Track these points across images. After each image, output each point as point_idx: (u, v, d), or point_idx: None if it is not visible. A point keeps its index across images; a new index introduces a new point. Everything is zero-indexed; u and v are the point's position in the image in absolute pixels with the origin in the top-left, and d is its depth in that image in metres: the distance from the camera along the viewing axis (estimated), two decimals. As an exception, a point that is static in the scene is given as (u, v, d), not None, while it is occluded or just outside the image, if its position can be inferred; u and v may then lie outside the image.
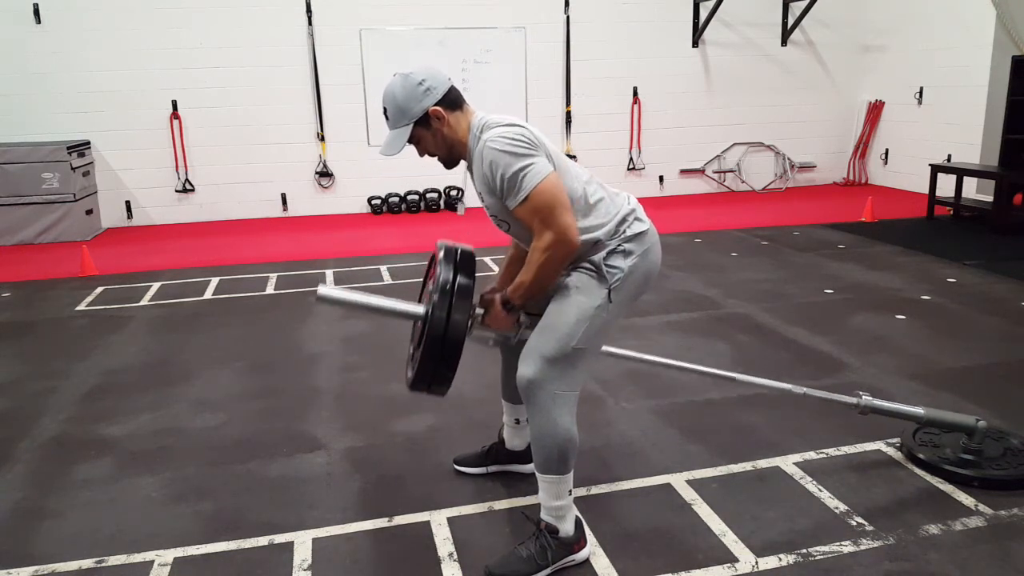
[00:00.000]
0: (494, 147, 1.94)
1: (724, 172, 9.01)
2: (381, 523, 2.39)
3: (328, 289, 2.10)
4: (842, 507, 2.40)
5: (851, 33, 8.89)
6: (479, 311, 2.14)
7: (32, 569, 2.20)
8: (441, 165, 2.19)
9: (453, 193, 8.14)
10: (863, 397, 2.56)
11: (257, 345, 4.09)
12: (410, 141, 2.09)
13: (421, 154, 2.15)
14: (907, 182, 8.61)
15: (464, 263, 2.06)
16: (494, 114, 2.09)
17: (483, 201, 2.11)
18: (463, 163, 2.17)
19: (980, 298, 4.59)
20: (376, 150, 7.86)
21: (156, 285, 5.34)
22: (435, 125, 2.05)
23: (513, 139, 1.94)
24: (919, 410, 2.60)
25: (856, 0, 8.79)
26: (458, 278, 2.02)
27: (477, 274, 2.08)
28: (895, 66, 8.62)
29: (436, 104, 2.03)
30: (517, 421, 2.54)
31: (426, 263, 2.27)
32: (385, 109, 2.07)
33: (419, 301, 2.23)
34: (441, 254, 2.09)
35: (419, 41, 7.83)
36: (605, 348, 2.29)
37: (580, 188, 2.09)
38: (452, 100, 2.06)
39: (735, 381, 2.57)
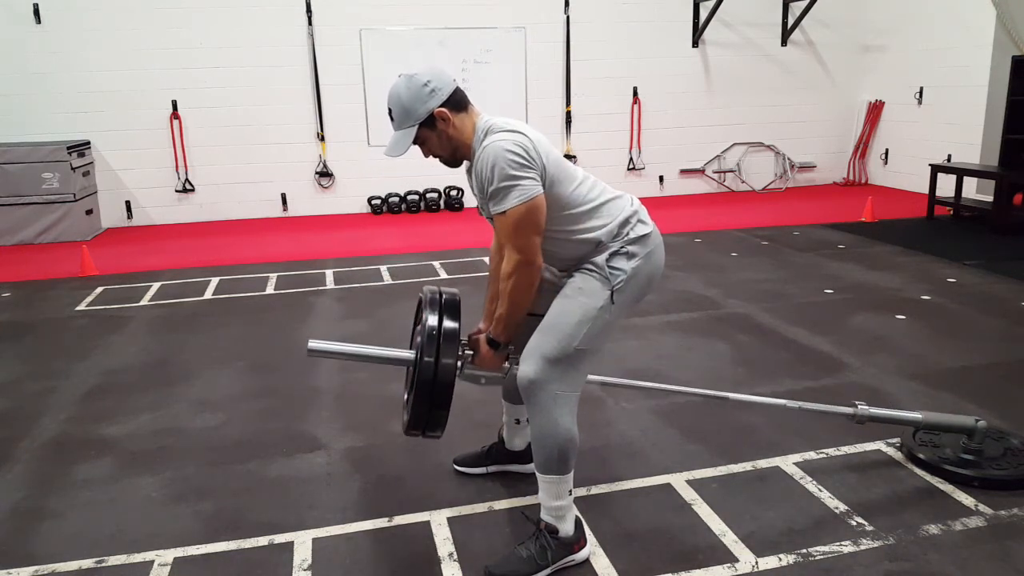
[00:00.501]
0: (493, 154, 1.95)
1: (724, 172, 9.01)
2: (381, 523, 2.39)
3: (319, 342, 2.16)
4: (842, 507, 2.41)
5: (851, 33, 8.89)
6: (468, 352, 2.17)
7: (32, 569, 2.20)
8: (443, 165, 2.20)
9: (453, 193, 8.14)
10: (859, 407, 2.55)
11: (257, 345, 4.09)
12: (415, 142, 2.09)
13: (426, 155, 2.16)
14: (907, 182, 8.61)
15: (448, 308, 2.11)
16: (500, 117, 2.09)
17: (482, 203, 2.11)
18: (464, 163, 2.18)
19: (980, 298, 4.59)
20: (376, 150, 7.89)
21: (156, 285, 5.34)
22: (440, 126, 2.06)
23: (513, 152, 1.95)
24: (917, 415, 2.60)
25: (856, 0, 8.79)
26: (444, 323, 2.07)
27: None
28: (895, 66, 8.62)
29: (441, 105, 2.04)
30: (517, 421, 2.54)
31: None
32: (390, 110, 2.07)
33: (410, 346, 2.28)
34: (426, 301, 2.14)
35: (419, 41, 7.83)
36: (594, 378, 2.32)
37: (580, 191, 2.10)
38: (457, 101, 2.07)
39: (728, 401, 2.57)
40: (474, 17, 7.90)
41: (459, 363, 2.11)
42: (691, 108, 8.71)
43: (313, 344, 2.15)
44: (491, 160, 1.95)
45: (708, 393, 2.62)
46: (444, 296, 2.15)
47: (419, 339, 2.10)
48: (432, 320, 2.07)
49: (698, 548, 2.22)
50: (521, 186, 1.95)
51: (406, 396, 2.29)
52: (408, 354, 2.19)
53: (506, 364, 2.19)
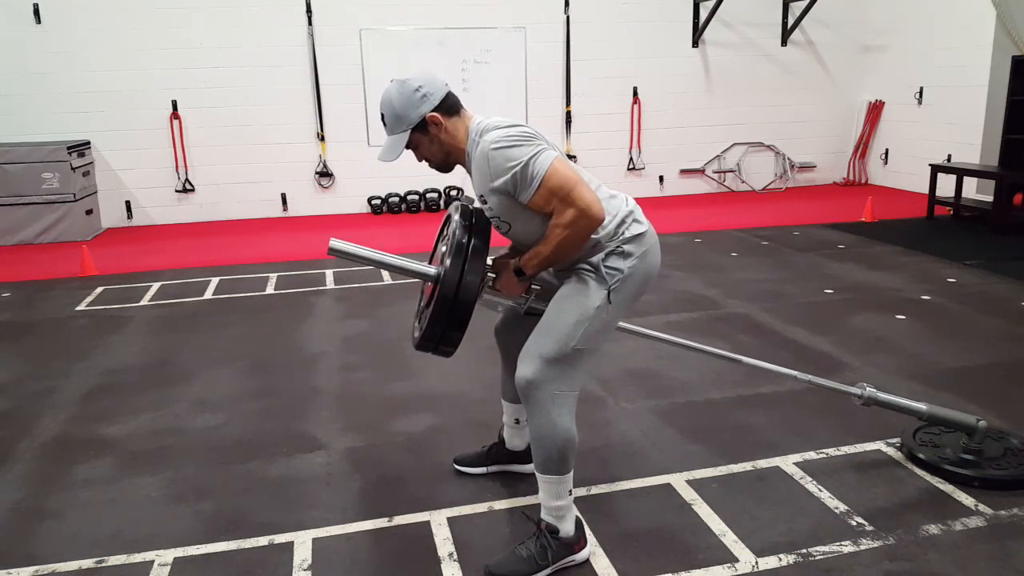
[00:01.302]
0: (498, 147, 1.95)
1: (724, 172, 9.01)
2: (381, 523, 2.39)
3: (340, 242, 2.08)
4: (842, 507, 2.41)
5: (851, 33, 8.89)
6: (491, 275, 2.13)
7: (32, 569, 2.20)
8: (435, 169, 2.20)
9: (453, 193, 8.14)
10: (867, 388, 2.56)
11: (257, 345, 4.09)
12: (408, 147, 2.10)
13: (419, 159, 2.17)
14: (907, 182, 8.61)
15: (479, 225, 2.05)
16: (491, 117, 2.09)
17: (483, 203, 2.11)
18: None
19: (980, 298, 4.59)
20: (376, 150, 7.86)
21: (156, 285, 5.34)
22: (433, 131, 2.06)
23: (514, 136, 1.95)
24: (921, 405, 2.60)
25: (856, 0, 8.79)
26: (473, 240, 2.01)
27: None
28: (895, 66, 8.62)
29: (433, 110, 2.04)
30: (517, 421, 2.54)
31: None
32: (383, 115, 2.08)
33: (430, 261, 2.23)
34: (457, 215, 2.08)
35: (419, 41, 7.83)
36: (624, 325, 2.29)
37: None
38: (449, 106, 2.07)
39: (742, 363, 2.58)
40: (474, 17, 7.90)
41: (481, 284, 2.05)
42: (691, 108, 8.70)
43: (334, 243, 2.08)
44: (496, 154, 1.95)
45: (723, 354, 2.63)
46: (475, 211, 2.09)
47: (443, 249, 2.04)
48: (462, 234, 2.01)
49: (698, 548, 2.22)
50: (537, 156, 1.94)
51: (420, 309, 2.22)
52: (431, 269, 2.13)
53: (526, 295, 2.14)
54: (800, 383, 2.59)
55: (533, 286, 2.16)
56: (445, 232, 2.22)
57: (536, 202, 1.98)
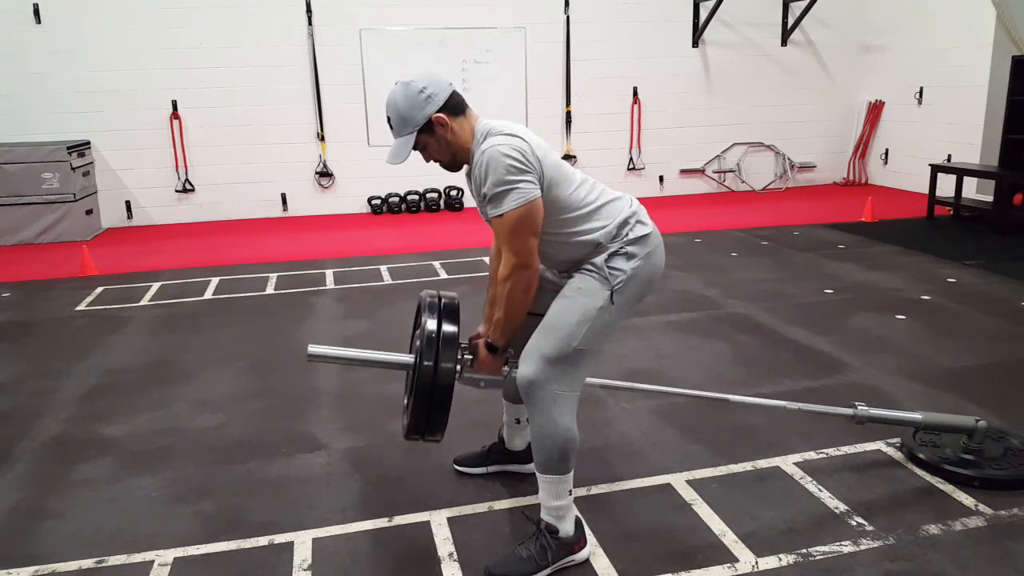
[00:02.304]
0: (493, 156, 1.96)
1: (724, 172, 9.01)
2: (381, 523, 2.39)
3: (318, 347, 2.17)
4: (842, 507, 2.40)
5: (851, 33, 8.88)
6: (467, 356, 2.17)
7: (32, 569, 2.20)
8: (444, 169, 2.20)
9: (453, 193, 8.14)
10: (859, 408, 2.54)
11: (257, 345, 4.09)
12: (415, 148, 2.10)
13: (427, 160, 2.18)
14: (907, 182, 8.61)
15: (447, 312, 2.12)
16: (498, 120, 2.10)
17: (482, 203, 2.11)
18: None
19: (980, 298, 4.59)
20: (376, 150, 7.89)
21: (156, 285, 5.34)
22: (439, 131, 2.07)
23: (510, 156, 1.96)
24: (916, 415, 2.59)
25: (856, 0, 8.79)
26: (443, 327, 2.08)
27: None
28: (895, 66, 8.62)
29: (438, 111, 2.04)
30: (517, 421, 2.54)
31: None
32: (389, 118, 2.09)
33: (409, 351, 2.29)
34: (425, 305, 2.15)
35: (419, 41, 7.82)
36: (594, 381, 2.33)
37: (578, 193, 2.11)
38: (454, 106, 2.07)
39: (728, 403, 2.57)
40: (474, 17, 7.90)
41: (458, 367, 2.11)
42: (691, 108, 8.70)
43: (313, 349, 2.16)
44: (488, 164, 1.96)
45: (708, 395, 2.62)
46: (443, 300, 2.16)
47: (418, 343, 2.10)
48: (431, 324, 2.08)
49: (698, 548, 2.22)
50: (518, 189, 1.96)
51: (406, 400, 2.30)
52: (407, 358, 2.20)
53: (505, 368, 2.19)
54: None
55: (510, 359, 2.19)
56: (417, 322, 2.26)
57: (494, 225, 2.03)
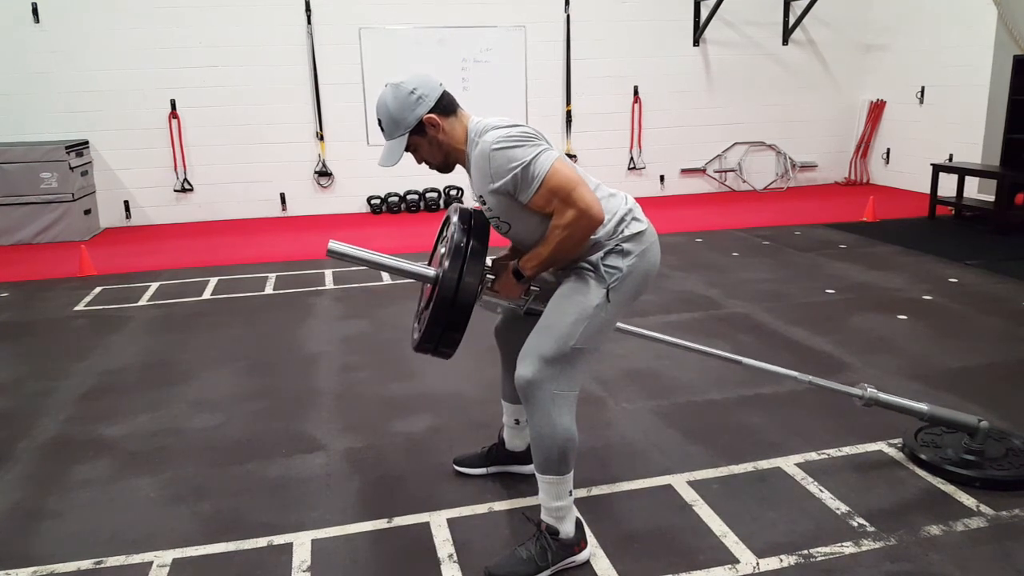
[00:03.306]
0: (499, 147, 1.94)
1: (725, 172, 9.00)
2: (381, 524, 2.38)
3: (339, 244, 2.09)
4: (843, 508, 2.40)
5: (852, 32, 8.87)
6: (490, 277, 2.13)
7: (31, 570, 2.20)
8: (436, 170, 2.19)
9: (453, 193, 8.13)
10: (868, 389, 2.56)
11: (256, 345, 4.08)
12: (407, 150, 2.09)
13: (419, 161, 2.17)
14: (909, 182, 8.60)
15: (478, 227, 2.06)
16: (490, 117, 2.09)
17: (482, 203, 2.10)
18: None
19: (982, 298, 4.58)
20: (376, 150, 7.86)
21: (155, 285, 5.33)
22: (431, 132, 2.06)
23: (514, 136, 1.95)
24: (922, 406, 2.59)
25: (857, -1, 8.79)
26: (471, 242, 2.02)
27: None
28: (896, 65, 8.60)
29: (429, 111, 2.03)
30: (517, 422, 2.53)
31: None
32: (380, 121, 2.07)
33: (429, 263, 2.23)
34: (455, 217, 2.09)
35: (418, 40, 7.81)
36: (622, 326, 2.29)
37: None
38: (445, 106, 2.06)
39: (742, 364, 2.58)
40: (474, 16, 7.89)
41: (479, 286, 2.06)
42: (692, 107, 8.69)
43: (333, 245, 2.08)
44: (491, 156, 1.95)
45: (723, 355, 2.63)
46: (474, 214, 2.10)
47: (443, 251, 2.04)
48: (460, 236, 2.02)
49: (699, 549, 2.21)
50: (539, 156, 1.94)
51: (419, 310, 2.23)
52: (429, 271, 2.13)
53: (525, 296, 2.14)
54: (801, 384, 2.58)
55: (532, 288, 2.15)
56: (444, 234, 2.22)
57: (536, 202, 1.98)
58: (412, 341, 2.19)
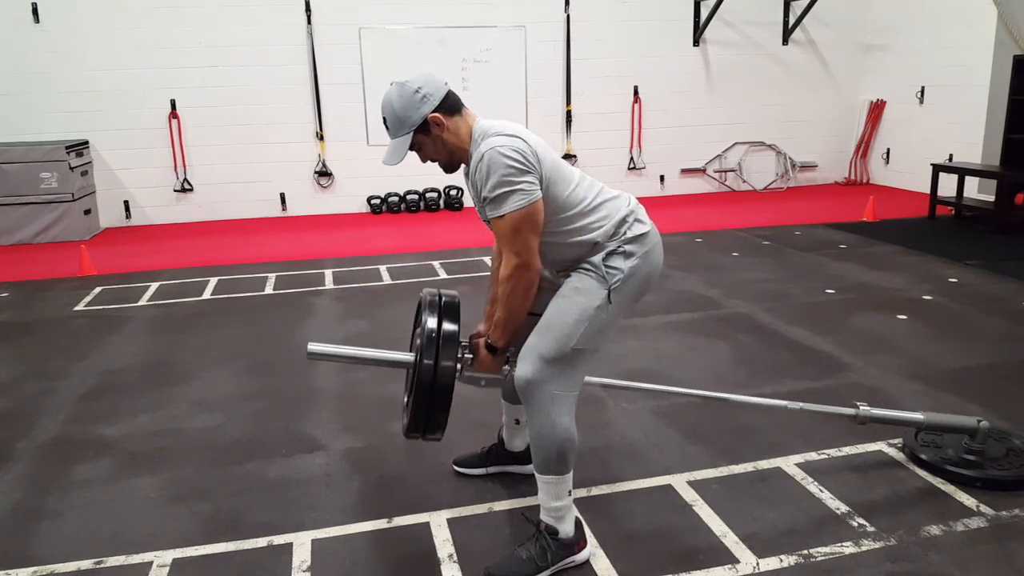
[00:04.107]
0: (492, 157, 1.95)
1: (725, 171, 9.00)
2: (381, 524, 2.38)
3: (318, 345, 2.16)
4: (843, 508, 2.40)
5: (852, 32, 8.87)
6: (468, 356, 2.17)
7: (31, 570, 2.19)
8: (441, 169, 2.19)
9: (453, 193, 8.13)
10: (861, 408, 2.53)
11: (256, 345, 4.08)
12: (412, 148, 2.09)
13: (424, 160, 2.17)
14: (909, 182, 8.60)
15: (447, 310, 2.11)
16: (496, 120, 2.09)
17: (481, 204, 2.10)
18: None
19: (982, 298, 4.58)
20: (375, 150, 7.88)
21: (155, 285, 5.33)
22: (435, 131, 2.06)
23: (510, 157, 1.94)
24: (918, 415, 2.58)
25: (857, -1, 8.79)
26: (443, 325, 2.07)
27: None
28: (896, 65, 8.60)
29: (434, 110, 2.03)
30: (517, 422, 2.53)
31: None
32: (384, 119, 2.08)
33: (410, 349, 2.28)
34: (425, 304, 2.14)
35: (418, 40, 7.81)
36: (594, 380, 2.32)
37: (577, 193, 2.10)
38: (450, 105, 2.06)
39: (729, 403, 2.56)
40: (474, 16, 7.89)
41: (458, 365, 2.10)
42: (692, 107, 8.69)
43: (312, 347, 2.15)
44: (488, 166, 1.95)
45: (708, 395, 2.61)
46: (443, 298, 2.15)
47: (418, 341, 2.10)
48: (431, 322, 2.07)
49: (699, 549, 2.21)
50: (519, 191, 1.95)
51: (406, 399, 2.29)
52: (407, 357, 2.19)
53: (506, 367, 2.18)
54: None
55: (510, 358, 2.17)
56: (418, 321, 2.25)
57: (494, 226, 2.02)
58: (402, 426, 2.23)
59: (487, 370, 2.17)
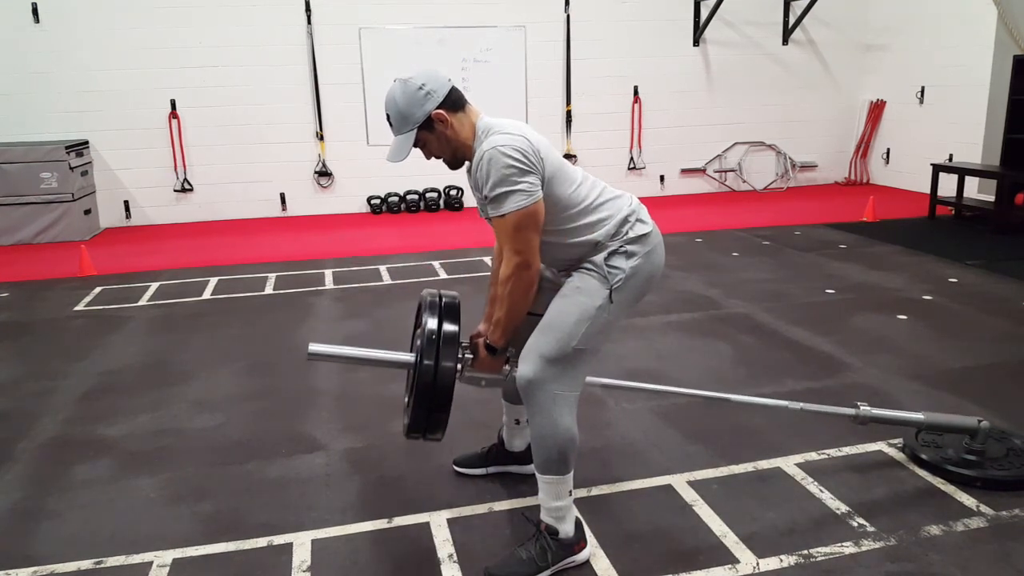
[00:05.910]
0: (494, 156, 1.95)
1: (725, 171, 9.00)
2: (381, 524, 2.38)
3: (318, 346, 2.15)
4: (843, 508, 2.40)
5: (852, 32, 8.87)
6: (468, 356, 2.17)
7: (31, 570, 2.19)
8: (445, 166, 2.19)
9: (453, 193, 8.13)
10: (861, 407, 2.54)
11: (256, 345, 4.08)
12: (415, 145, 2.09)
13: (428, 157, 2.17)
14: (909, 182, 8.59)
15: (448, 311, 2.11)
16: (500, 118, 2.09)
17: (482, 202, 2.10)
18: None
19: (982, 298, 4.58)
20: (376, 150, 7.88)
21: (155, 285, 5.33)
22: (439, 128, 2.06)
23: (512, 156, 1.94)
24: (919, 415, 2.59)
25: (857, -1, 8.79)
26: (443, 326, 2.08)
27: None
28: (896, 65, 8.60)
29: (438, 107, 2.03)
30: (517, 422, 2.53)
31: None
32: (388, 116, 2.08)
33: (410, 350, 2.28)
34: (425, 304, 2.15)
35: (418, 40, 7.81)
36: (594, 380, 2.31)
37: (579, 192, 2.10)
38: (454, 101, 2.06)
39: (729, 402, 2.56)
40: (474, 16, 7.89)
41: (459, 366, 2.10)
42: (692, 107, 8.69)
43: (313, 348, 2.14)
44: (490, 165, 1.95)
45: (709, 395, 2.61)
46: (443, 299, 2.15)
47: (418, 342, 2.10)
48: (431, 323, 2.08)
49: (699, 549, 2.21)
50: (521, 190, 1.95)
51: (406, 399, 2.29)
52: (408, 357, 2.19)
53: (506, 367, 2.18)
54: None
55: (511, 358, 2.18)
56: (418, 321, 2.25)
57: (495, 224, 2.02)
58: (403, 427, 2.23)
59: (487, 370, 2.17)
